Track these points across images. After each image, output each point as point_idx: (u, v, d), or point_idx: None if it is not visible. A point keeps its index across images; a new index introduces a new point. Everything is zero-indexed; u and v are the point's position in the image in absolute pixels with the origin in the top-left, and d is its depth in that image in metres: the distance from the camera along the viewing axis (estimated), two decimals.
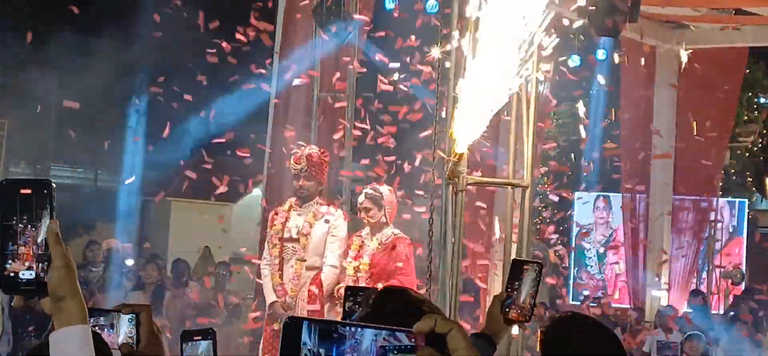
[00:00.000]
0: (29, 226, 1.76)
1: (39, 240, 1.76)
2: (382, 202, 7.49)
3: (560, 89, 13.60)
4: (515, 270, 2.96)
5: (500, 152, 9.75)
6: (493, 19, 6.03)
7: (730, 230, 14.86)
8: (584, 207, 15.57)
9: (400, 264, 7.33)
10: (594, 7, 9.21)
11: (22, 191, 1.75)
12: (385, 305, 2.32)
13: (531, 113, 7.01)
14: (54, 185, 1.79)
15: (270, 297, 7.57)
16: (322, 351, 1.31)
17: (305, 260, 7.49)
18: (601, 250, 15.74)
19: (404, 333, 1.31)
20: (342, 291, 7.28)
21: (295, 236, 7.53)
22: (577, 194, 15.58)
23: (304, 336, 1.32)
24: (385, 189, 7.61)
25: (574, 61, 12.74)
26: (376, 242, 7.46)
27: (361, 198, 7.62)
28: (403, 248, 7.42)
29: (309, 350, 1.32)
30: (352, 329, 1.32)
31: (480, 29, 6.11)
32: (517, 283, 2.94)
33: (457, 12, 6.61)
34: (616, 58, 12.03)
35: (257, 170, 10.25)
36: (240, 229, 15.00)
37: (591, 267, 15.69)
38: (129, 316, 2.18)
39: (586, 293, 14.99)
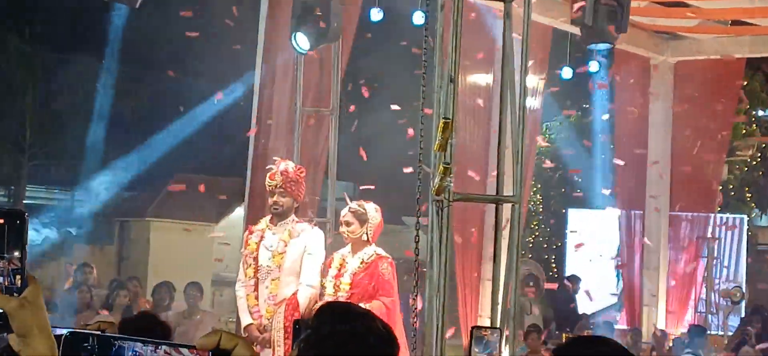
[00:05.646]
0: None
1: (10, 272, 1.67)
2: (365, 218, 7.19)
3: (554, 101, 13.27)
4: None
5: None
6: None
7: (729, 247, 14.49)
8: (582, 224, 15.20)
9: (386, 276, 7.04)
10: (588, 14, 8.96)
11: None
12: (323, 322, 2.27)
13: (521, 126, 6.71)
14: (27, 216, 1.72)
15: (245, 318, 7.24)
16: None
17: (280, 280, 7.14)
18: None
19: (187, 349, 1.27)
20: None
21: (270, 255, 7.19)
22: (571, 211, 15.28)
23: (83, 353, 1.30)
24: (370, 207, 7.30)
25: (567, 73, 12.39)
26: (358, 261, 7.17)
27: (344, 212, 7.34)
28: (386, 267, 7.12)
29: None
30: (131, 344, 1.28)
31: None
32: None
33: (439, 43, 6.36)
34: (595, 67, 11.76)
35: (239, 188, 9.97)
36: (222, 250, 14.64)
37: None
38: None
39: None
